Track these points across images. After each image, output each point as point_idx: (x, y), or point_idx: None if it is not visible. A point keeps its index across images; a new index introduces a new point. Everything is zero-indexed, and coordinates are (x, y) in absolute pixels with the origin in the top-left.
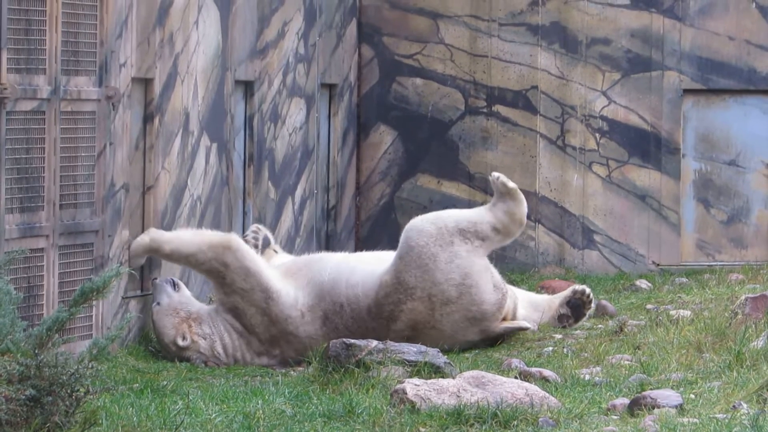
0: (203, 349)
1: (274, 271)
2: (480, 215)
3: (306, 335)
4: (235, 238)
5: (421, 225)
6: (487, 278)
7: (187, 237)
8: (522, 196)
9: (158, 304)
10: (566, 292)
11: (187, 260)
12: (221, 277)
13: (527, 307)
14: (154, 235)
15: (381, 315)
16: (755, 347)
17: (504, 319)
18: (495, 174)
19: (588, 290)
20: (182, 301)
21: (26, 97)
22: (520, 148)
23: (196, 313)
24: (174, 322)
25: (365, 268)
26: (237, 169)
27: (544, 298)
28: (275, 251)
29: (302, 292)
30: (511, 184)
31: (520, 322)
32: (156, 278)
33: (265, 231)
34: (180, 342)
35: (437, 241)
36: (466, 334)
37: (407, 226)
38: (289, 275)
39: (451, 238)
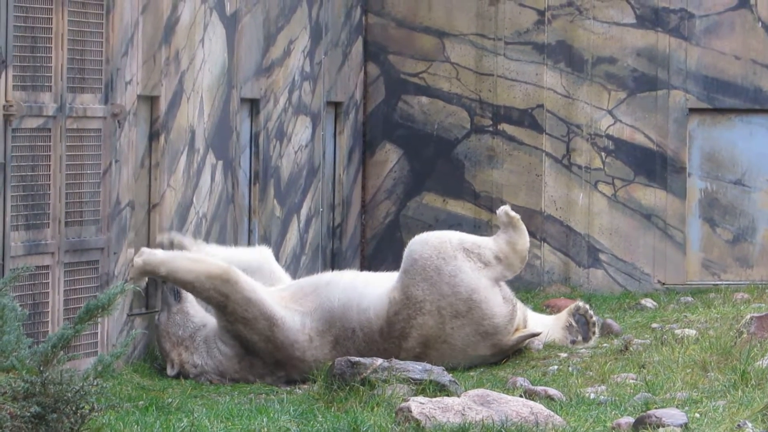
0: (193, 376)
1: (276, 297)
2: (484, 240)
3: (313, 359)
4: (232, 271)
5: (426, 238)
6: (495, 292)
7: (184, 264)
8: (524, 228)
9: (158, 319)
10: (571, 306)
11: (185, 287)
12: (222, 306)
13: (537, 323)
14: (146, 257)
15: (392, 334)
16: (760, 366)
17: (516, 330)
18: (501, 207)
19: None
20: (177, 323)
21: (32, 114)
22: (526, 167)
23: (190, 338)
24: (166, 348)
25: (375, 291)
26: (242, 186)
27: (550, 317)
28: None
29: (310, 318)
30: (513, 213)
31: (532, 329)
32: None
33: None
34: (168, 371)
35: (440, 254)
36: (478, 349)
37: (411, 241)
38: (295, 300)
39: (455, 253)
